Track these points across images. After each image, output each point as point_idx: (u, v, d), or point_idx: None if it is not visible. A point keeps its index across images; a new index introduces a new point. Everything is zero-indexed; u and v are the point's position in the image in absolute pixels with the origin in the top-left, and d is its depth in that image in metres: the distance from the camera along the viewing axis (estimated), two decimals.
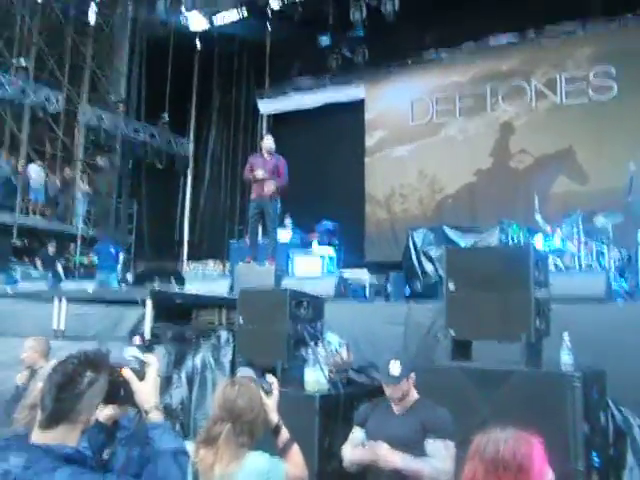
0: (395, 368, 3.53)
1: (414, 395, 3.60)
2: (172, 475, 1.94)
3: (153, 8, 15.25)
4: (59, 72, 16.04)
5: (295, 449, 2.79)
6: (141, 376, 2.06)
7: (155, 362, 2.12)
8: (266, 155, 8.43)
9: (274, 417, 2.83)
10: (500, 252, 4.43)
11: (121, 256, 13.13)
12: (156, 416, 2.04)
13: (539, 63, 12.99)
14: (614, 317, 5.09)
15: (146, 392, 2.05)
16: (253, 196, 8.50)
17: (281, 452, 2.74)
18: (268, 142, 8.48)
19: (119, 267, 12.75)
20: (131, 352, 2.13)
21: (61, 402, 1.88)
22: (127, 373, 2.04)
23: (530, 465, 1.90)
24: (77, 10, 15.74)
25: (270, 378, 2.95)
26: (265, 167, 8.32)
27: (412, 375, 3.59)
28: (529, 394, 3.59)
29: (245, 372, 2.87)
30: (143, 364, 2.09)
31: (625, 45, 11.86)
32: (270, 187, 8.14)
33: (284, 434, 2.82)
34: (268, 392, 2.84)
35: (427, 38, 14.04)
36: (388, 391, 3.55)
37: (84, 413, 1.92)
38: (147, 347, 2.19)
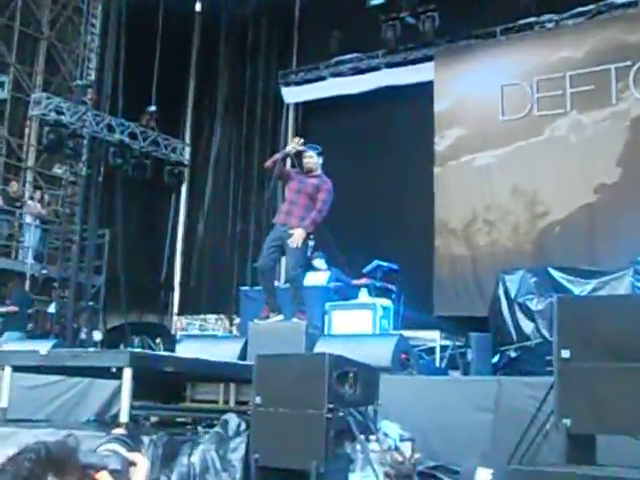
0: (483, 476, 3.49)
1: None
2: None
3: None
4: (5, 46, 16.40)
5: None
6: None
7: (144, 463, 2.10)
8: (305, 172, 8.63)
9: None
10: (637, 302, 4.35)
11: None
12: None
13: None
14: None
15: None
16: (278, 219, 8.59)
17: None
18: (310, 160, 8.64)
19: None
20: (110, 447, 2.11)
21: None
22: (104, 477, 2.03)
23: None
24: None
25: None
26: (303, 187, 8.45)
27: None
28: None
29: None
30: (126, 464, 2.07)
31: None
32: (300, 233, 8.25)
33: None
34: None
35: None
36: None
37: None
38: (133, 440, 2.15)
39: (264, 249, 8.66)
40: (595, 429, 4.03)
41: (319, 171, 8.62)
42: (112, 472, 2.02)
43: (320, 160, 8.64)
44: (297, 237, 8.15)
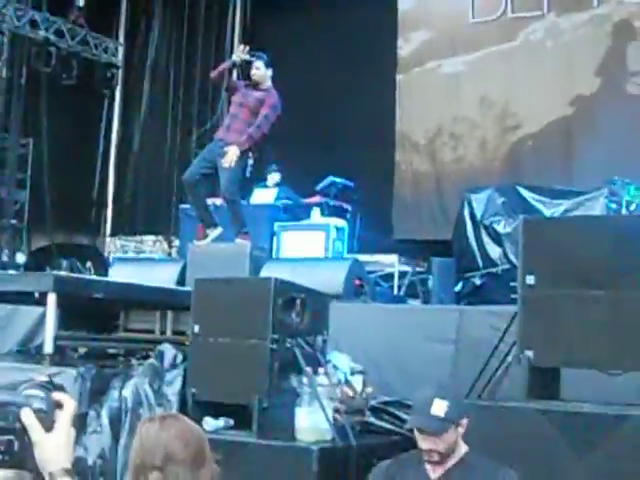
0: (439, 408, 3.55)
1: (462, 450, 3.62)
2: None
3: None
4: None
5: None
6: (48, 424, 2.04)
7: (71, 403, 2.10)
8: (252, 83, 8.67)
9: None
10: (610, 225, 4.44)
11: None
12: None
13: None
14: None
15: (54, 448, 2.03)
16: (218, 134, 8.64)
17: None
18: (258, 71, 8.64)
19: None
20: (32, 392, 2.11)
21: None
22: (27, 417, 2.03)
23: None
24: None
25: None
26: (246, 100, 8.50)
27: (464, 421, 3.60)
28: None
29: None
30: (53, 405, 2.08)
31: None
32: (234, 151, 8.27)
33: None
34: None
35: None
36: (424, 444, 3.57)
37: None
38: (56, 382, 2.15)
39: (194, 161, 8.72)
40: (560, 362, 4.11)
41: (267, 83, 8.66)
42: (36, 411, 2.03)
43: (269, 72, 8.66)
44: (230, 154, 8.19)
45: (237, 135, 8.37)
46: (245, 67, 8.83)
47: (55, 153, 16.31)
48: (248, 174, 8.86)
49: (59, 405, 2.08)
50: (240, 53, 8.60)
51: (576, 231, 4.33)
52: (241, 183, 8.95)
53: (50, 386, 2.27)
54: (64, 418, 2.05)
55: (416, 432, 3.60)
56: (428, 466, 3.61)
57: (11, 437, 1.98)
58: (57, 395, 2.10)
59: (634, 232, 4.00)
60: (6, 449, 1.98)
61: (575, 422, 3.81)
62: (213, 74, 8.77)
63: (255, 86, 8.62)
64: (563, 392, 4.21)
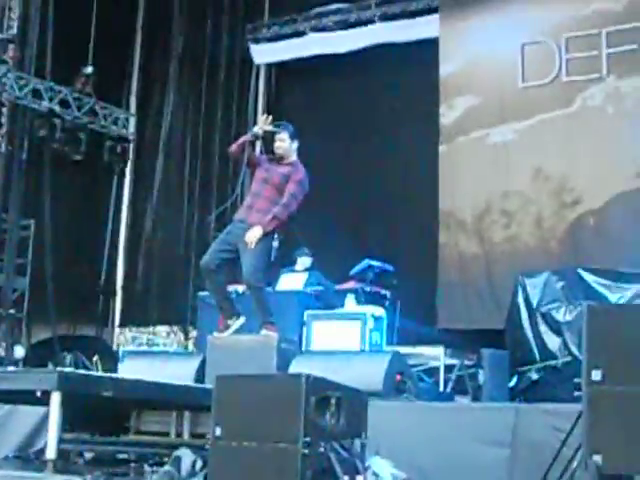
0: None
1: None
2: None
3: None
4: None
5: None
6: None
7: None
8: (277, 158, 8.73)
9: None
10: None
11: None
12: None
13: None
14: None
15: None
16: (238, 215, 8.70)
17: None
18: (282, 144, 8.71)
19: None
20: None
21: None
22: None
23: None
24: None
25: None
26: (269, 175, 8.56)
27: None
28: None
29: None
30: None
31: None
32: (256, 232, 8.32)
33: None
34: None
35: None
36: None
37: None
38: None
39: (213, 245, 8.72)
40: (633, 468, 4.06)
41: (293, 157, 8.70)
42: None
43: (295, 144, 8.71)
44: (251, 235, 8.21)
45: (260, 215, 8.36)
46: (268, 139, 8.90)
47: (59, 235, 16.40)
48: (273, 258, 8.87)
49: None
50: (262, 124, 8.62)
51: None
52: (266, 268, 8.95)
53: None
54: None
55: None
56: None
57: None
58: None
59: None
60: None
61: None
62: (232, 148, 8.75)
63: (279, 160, 8.66)
64: None
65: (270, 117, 8.88)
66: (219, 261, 8.58)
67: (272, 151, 8.78)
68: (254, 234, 8.21)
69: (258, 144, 9.19)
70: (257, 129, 8.65)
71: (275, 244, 8.69)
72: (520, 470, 5.51)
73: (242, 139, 8.69)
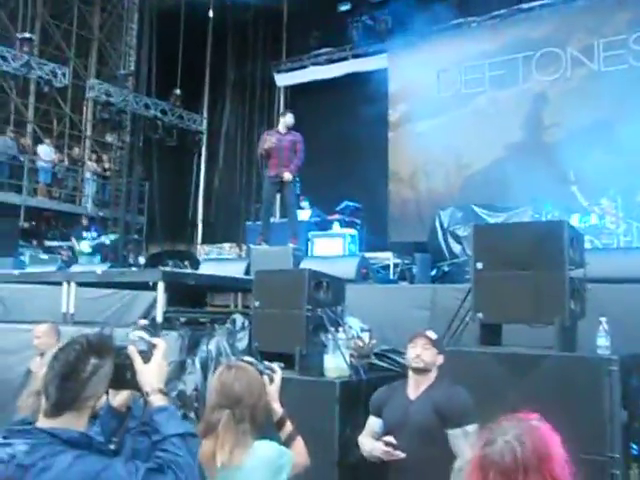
0: (431, 334, 3.61)
1: (434, 375, 3.61)
2: (181, 460, 1.93)
3: None
4: (65, 45, 16.10)
5: (299, 440, 2.79)
6: (147, 358, 2.05)
7: (162, 344, 2.11)
8: (283, 130, 8.51)
9: (277, 407, 2.81)
10: (532, 229, 4.37)
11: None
12: (159, 400, 2.03)
13: (575, 29, 12.74)
14: None
15: (150, 374, 2.04)
16: (270, 173, 8.57)
17: (285, 443, 2.73)
18: (290, 118, 8.56)
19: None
20: (138, 334, 2.13)
21: (65, 391, 1.89)
22: (132, 352, 2.04)
23: (551, 453, 1.86)
24: None
25: (272, 364, 2.93)
26: (282, 143, 8.41)
27: (441, 357, 3.60)
28: (563, 380, 3.56)
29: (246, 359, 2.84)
30: (150, 346, 2.08)
31: None
32: (289, 176, 8.25)
33: (288, 426, 2.80)
34: (269, 377, 2.81)
35: (454, 4, 13.83)
36: (415, 351, 3.56)
37: (90, 400, 1.93)
38: (154, 329, 2.17)
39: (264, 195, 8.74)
40: (500, 319, 4.08)
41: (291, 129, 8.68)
42: (139, 352, 2.04)
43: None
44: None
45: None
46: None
47: (163, 191, 16.54)
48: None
49: (154, 345, 2.09)
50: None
51: (509, 232, 4.30)
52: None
53: (151, 329, 2.30)
54: (157, 354, 2.07)
55: (414, 343, 3.60)
56: (409, 389, 3.60)
57: (125, 369, 2.01)
58: (154, 339, 2.11)
59: (546, 232, 3.97)
60: (124, 376, 2.00)
61: (511, 360, 3.77)
62: (259, 152, 8.78)
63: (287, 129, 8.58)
64: (503, 340, 4.17)
65: (291, 113, 8.75)
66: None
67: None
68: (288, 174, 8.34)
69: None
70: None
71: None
72: (435, 323, 5.50)
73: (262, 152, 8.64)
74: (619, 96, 11.82)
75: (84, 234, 13.09)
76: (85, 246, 12.79)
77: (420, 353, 3.56)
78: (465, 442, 3.25)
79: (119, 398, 2.23)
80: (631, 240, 8.46)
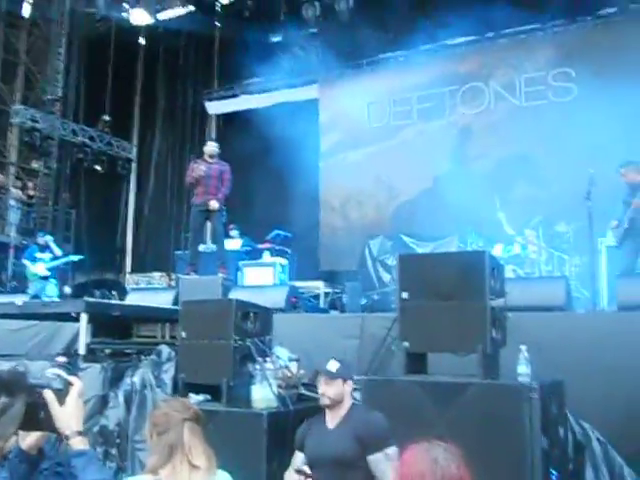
0: (332, 366, 3.58)
1: (348, 403, 3.61)
2: None
3: (92, 1, 15.08)
4: None
5: None
6: (63, 397, 1.97)
7: (79, 383, 2.03)
8: (209, 159, 8.50)
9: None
10: (455, 259, 4.44)
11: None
12: (78, 442, 1.96)
13: (498, 65, 13.20)
14: (574, 326, 5.19)
15: (67, 416, 1.96)
16: (197, 201, 8.53)
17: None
18: (211, 147, 8.57)
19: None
20: (54, 371, 2.04)
21: None
22: (48, 395, 1.95)
23: (466, 474, 1.97)
24: (9, 1, 15.42)
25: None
26: (210, 172, 8.39)
27: (349, 381, 3.62)
28: (486, 407, 3.62)
29: None
30: (66, 383, 2.00)
31: (585, 47, 12.16)
32: (216, 205, 8.24)
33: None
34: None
35: (383, 38, 14.12)
36: (321, 389, 3.58)
37: None
38: (74, 364, 2.09)
39: (192, 224, 8.66)
40: (425, 348, 4.12)
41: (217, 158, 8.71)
42: (55, 391, 1.95)
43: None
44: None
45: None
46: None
47: (90, 218, 16.28)
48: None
49: (70, 384, 2.01)
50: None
51: (434, 262, 4.36)
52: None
53: (69, 366, 2.21)
54: (73, 393, 1.98)
55: (317, 381, 3.63)
56: (327, 419, 3.61)
57: (38, 409, 1.92)
58: (70, 377, 2.03)
59: (469, 263, 4.04)
60: (37, 417, 1.92)
61: (436, 389, 3.81)
62: (187, 182, 8.78)
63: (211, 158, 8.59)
64: (429, 369, 4.21)
65: (216, 144, 8.74)
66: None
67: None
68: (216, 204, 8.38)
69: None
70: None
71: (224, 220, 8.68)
72: (364, 352, 5.54)
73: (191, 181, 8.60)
74: (540, 130, 12.29)
75: (39, 255, 11.75)
76: (40, 269, 11.61)
77: (324, 391, 3.58)
78: (387, 465, 3.27)
79: (29, 440, 2.12)
80: (552, 269, 8.73)
